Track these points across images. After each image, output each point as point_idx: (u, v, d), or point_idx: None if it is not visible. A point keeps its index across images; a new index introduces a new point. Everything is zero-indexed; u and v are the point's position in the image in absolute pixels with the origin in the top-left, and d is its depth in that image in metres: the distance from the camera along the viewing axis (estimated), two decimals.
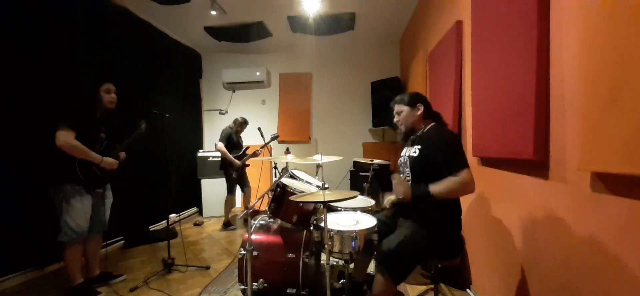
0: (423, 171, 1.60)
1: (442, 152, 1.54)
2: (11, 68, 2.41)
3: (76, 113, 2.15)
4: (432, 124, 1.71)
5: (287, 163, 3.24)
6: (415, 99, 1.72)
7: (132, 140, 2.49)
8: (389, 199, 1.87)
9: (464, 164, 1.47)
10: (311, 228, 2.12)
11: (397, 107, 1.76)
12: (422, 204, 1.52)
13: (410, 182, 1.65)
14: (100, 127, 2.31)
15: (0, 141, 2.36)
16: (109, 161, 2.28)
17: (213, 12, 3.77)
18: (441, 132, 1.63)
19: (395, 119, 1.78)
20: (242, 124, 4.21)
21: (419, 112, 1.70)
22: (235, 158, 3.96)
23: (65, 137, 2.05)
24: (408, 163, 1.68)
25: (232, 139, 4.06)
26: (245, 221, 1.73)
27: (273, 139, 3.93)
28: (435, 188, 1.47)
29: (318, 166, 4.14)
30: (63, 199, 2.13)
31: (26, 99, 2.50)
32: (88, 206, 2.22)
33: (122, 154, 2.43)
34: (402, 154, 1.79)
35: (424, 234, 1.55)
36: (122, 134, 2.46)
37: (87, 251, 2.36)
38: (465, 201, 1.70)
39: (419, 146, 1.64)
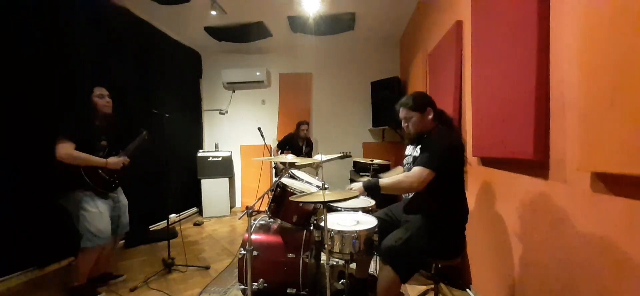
0: None
1: (428, 148, 1.58)
2: (9, 68, 2.41)
3: (74, 124, 2.14)
4: (436, 125, 1.70)
5: (286, 163, 3.23)
6: (424, 104, 1.67)
7: (134, 147, 2.47)
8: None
9: (429, 165, 1.50)
10: (311, 228, 2.12)
11: (404, 113, 1.70)
12: (375, 193, 1.65)
13: None
14: (101, 134, 2.28)
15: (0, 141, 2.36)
16: (114, 161, 2.27)
17: (213, 12, 3.77)
18: (441, 134, 1.63)
19: (403, 124, 1.73)
20: (297, 126, 4.37)
21: (430, 116, 1.66)
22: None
23: (65, 150, 2.04)
24: (412, 163, 1.70)
25: (289, 142, 4.29)
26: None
27: (343, 157, 3.92)
28: (384, 181, 1.61)
29: (318, 166, 4.14)
30: (77, 207, 2.12)
31: (24, 99, 2.49)
32: (104, 209, 2.21)
33: (125, 160, 2.40)
34: (407, 153, 1.80)
35: (430, 232, 1.56)
36: (124, 141, 2.45)
37: (103, 250, 2.34)
38: None
39: (422, 147, 1.66)
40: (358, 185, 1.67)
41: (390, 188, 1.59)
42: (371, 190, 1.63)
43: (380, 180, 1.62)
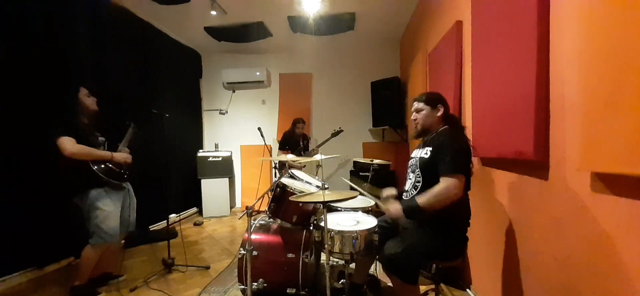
0: (433, 173, 1.58)
1: (443, 153, 1.54)
2: (9, 69, 2.40)
3: (67, 121, 2.13)
4: (446, 127, 1.70)
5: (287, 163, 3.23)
6: (436, 101, 1.71)
7: (129, 141, 2.47)
8: (387, 194, 1.87)
9: (455, 170, 1.47)
10: (311, 228, 2.12)
11: (417, 105, 1.75)
12: (415, 216, 1.54)
13: (420, 184, 1.64)
14: (94, 131, 2.28)
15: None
16: (121, 156, 2.27)
17: (213, 12, 3.77)
18: (451, 136, 1.61)
19: (412, 117, 1.77)
20: (293, 124, 4.31)
21: (439, 113, 1.69)
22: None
23: (70, 144, 2.03)
24: (418, 164, 1.67)
25: (289, 140, 4.23)
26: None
27: (336, 134, 4.01)
28: (422, 199, 1.50)
29: (318, 166, 4.15)
30: (91, 205, 2.12)
31: (24, 99, 2.49)
32: (118, 206, 2.23)
33: (128, 156, 2.41)
34: (413, 155, 1.78)
35: (430, 236, 1.55)
36: (117, 136, 2.45)
37: (107, 250, 2.33)
38: None
39: (430, 148, 1.63)
40: (396, 208, 1.58)
41: (430, 205, 1.48)
42: (411, 213, 1.54)
43: (417, 200, 1.51)
